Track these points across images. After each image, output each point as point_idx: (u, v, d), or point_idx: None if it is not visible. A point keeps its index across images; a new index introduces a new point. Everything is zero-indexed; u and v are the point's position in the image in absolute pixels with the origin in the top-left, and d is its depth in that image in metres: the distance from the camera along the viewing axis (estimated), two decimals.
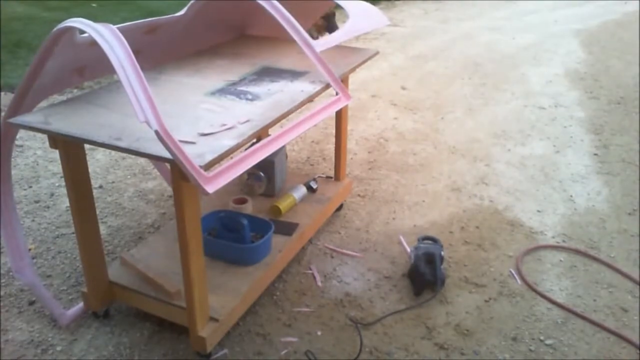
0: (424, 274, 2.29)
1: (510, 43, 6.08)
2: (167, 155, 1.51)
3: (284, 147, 2.73)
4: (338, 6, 2.44)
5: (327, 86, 2.12)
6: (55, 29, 1.65)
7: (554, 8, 7.43)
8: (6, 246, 2.02)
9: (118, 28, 1.68)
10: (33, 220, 2.80)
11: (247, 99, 1.97)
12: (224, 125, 1.73)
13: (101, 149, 3.43)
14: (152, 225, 2.77)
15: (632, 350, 2.07)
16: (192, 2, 2.15)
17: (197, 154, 1.55)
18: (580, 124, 4.07)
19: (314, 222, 2.55)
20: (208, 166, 1.53)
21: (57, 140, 1.77)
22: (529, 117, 4.18)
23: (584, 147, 3.72)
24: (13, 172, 3.14)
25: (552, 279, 2.44)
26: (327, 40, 2.16)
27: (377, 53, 2.63)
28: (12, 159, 2.11)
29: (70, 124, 1.72)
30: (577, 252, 2.61)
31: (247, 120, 1.78)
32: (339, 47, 2.54)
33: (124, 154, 3.30)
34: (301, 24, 2.10)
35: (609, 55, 5.70)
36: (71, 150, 1.83)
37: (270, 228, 2.25)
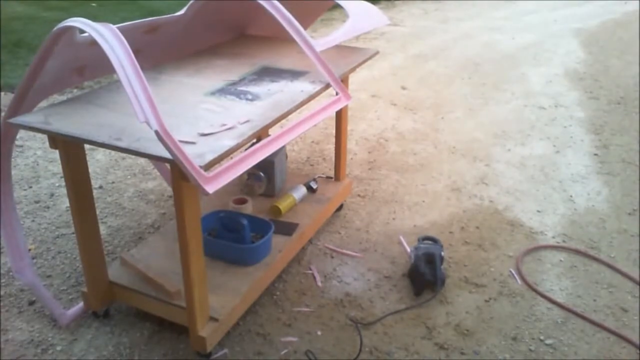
0: (424, 274, 2.29)
1: (510, 43, 6.08)
2: (167, 155, 1.51)
3: (284, 147, 2.73)
4: (338, 6, 2.44)
5: (327, 86, 2.12)
6: (55, 28, 1.65)
7: (554, 8, 7.43)
8: (6, 246, 2.02)
9: (118, 28, 1.68)
10: (33, 221, 2.80)
11: (247, 99, 1.97)
12: (224, 125, 1.73)
13: (101, 149, 3.43)
14: (152, 226, 2.77)
15: (632, 350, 2.07)
16: (191, 1, 2.15)
17: (197, 154, 1.55)
18: (580, 124, 4.07)
19: (314, 222, 2.55)
20: (208, 166, 1.53)
21: (57, 140, 1.77)
22: (529, 117, 4.18)
23: (584, 147, 3.72)
24: (13, 172, 3.14)
25: (552, 279, 2.44)
26: (327, 40, 2.16)
27: (377, 53, 2.63)
28: (12, 159, 2.11)
29: (70, 124, 1.72)
30: (576, 252, 2.61)
31: (247, 121, 1.78)
32: (339, 47, 2.54)
33: (124, 154, 3.30)
34: (301, 24, 2.10)
35: (608, 55, 5.70)
36: (71, 151, 1.83)
37: (270, 228, 2.25)
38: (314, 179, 2.76)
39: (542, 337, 2.12)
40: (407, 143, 3.74)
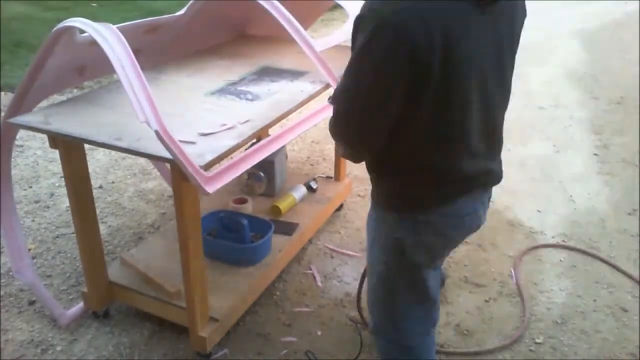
0: None
1: None
2: (168, 155, 1.51)
3: (284, 147, 2.73)
4: (338, 6, 2.44)
5: (327, 86, 2.12)
6: (55, 28, 1.65)
7: (554, 8, 7.42)
8: (6, 246, 2.02)
9: (118, 27, 1.68)
10: (33, 220, 2.80)
11: (247, 99, 1.97)
12: (224, 125, 1.73)
13: (101, 149, 3.43)
14: (152, 225, 2.77)
15: (632, 350, 2.06)
16: (192, 1, 2.15)
17: (197, 153, 1.55)
18: (580, 124, 4.07)
19: (314, 222, 2.55)
20: (208, 166, 1.53)
21: (57, 140, 1.77)
22: (529, 117, 4.18)
23: (584, 147, 3.72)
24: (13, 172, 3.13)
25: (552, 279, 2.44)
26: (327, 40, 2.16)
27: None
28: (12, 159, 2.11)
29: (70, 123, 1.72)
30: (576, 250, 2.61)
31: (247, 120, 1.78)
32: (338, 47, 2.54)
33: (124, 154, 3.28)
34: (301, 24, 2.10)
35: (609, 55, 5.70)
36: (71, 150, 1.83)
37: (270, 228, 2.25)
38: (314, 179, 2.76)
39: (542, 337, 2.12)
40: None
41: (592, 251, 2.61)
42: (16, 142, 3.42)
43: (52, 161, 3.35)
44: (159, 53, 2.27)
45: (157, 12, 6.18)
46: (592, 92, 4.70)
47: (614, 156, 3.58)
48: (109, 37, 1.57)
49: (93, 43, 1.64)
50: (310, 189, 2.69)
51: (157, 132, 1.46)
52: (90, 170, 1.95)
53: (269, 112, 1.86)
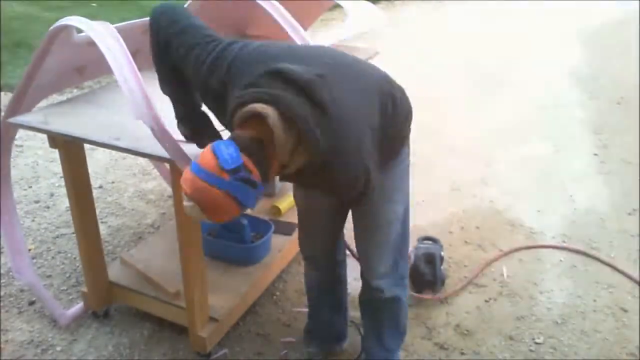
0: (424, 274, 2.29)
1: (510, 43, 6.07)
2: (167, 155, 1.52)
3: None
4: (338, 6, 2.44)
5: None
6: (52, 27, 1.65)
7: (554, 8, 7.42)
8: (6, 246, 2.02)
9: (117, 27, 1.68)
10: (33, 220, 2.80)
11: None
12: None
13: (101, 149, 3.43)
14: (152, 225, 2.77)
15: (632, 350, 2.06)
16: (190, 1, 2.15)
17: (196, 153, 1.54)
18: (581, 124, 4.06)
19: None
20: None
21: (57, 140, 1.77)
22: (529, 117, 4.17)
23: (584, 147, 3.71)
24: (13, 172, 3.13)
25: (552, 279, 2.44)
26: (325, 39, 2.15)
27: (377, 53, 2.63)
28: (12, 159, 2.11)
29: (70, 123, 1.72)
30: (571, 250, 2.61)
31: None
32: (338, 47, 2.54)
33: (124, 154, 3.29)
34: (301, 24, 2.10)
35: (609, 55, 5.69)
36: (71, 150, 1.83)
37: (270, 228, 2.25)
38: None
39: (542, 337, 2.11)
40: None
41: (590, 251, 2.61)
42: (16, 142, 3.42)
43: (52, 161, 3.35)
44: None
45: None
46: (592, 92, 4.70)
47: (614, 156, 3.58)
48: (105, 35, 1.56)
49: (92, 43, 1.64)
50: None
51: (152, 129, 1.46)
52: (90, 170, 1.95)
53: None
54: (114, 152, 3.38)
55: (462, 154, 3.58)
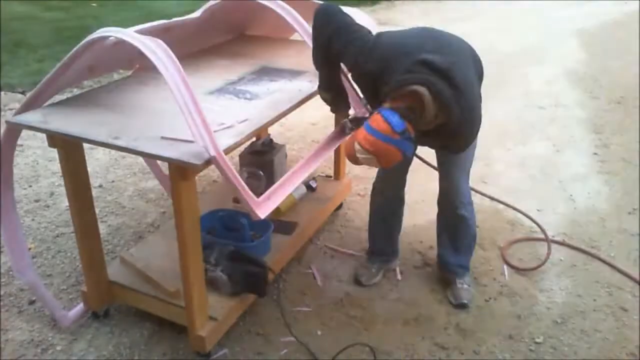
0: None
1: (510, 43, 6.07)
2: (166, 154, 1.52)
3: (283, 146, 2.73)
4: None
5: None
6: (93, 37, 1.65)
7: (554, 8, 7.42)
8: (7, 246, 2.01)
9: (139, 30, 1.68)
10: (33, 220, 2.80)
11: (245, 98, 1.97)
12: (223, 124, 1.73)
13: (101, 148, 3.43)
14: (152, 225, 2.77)
15: (632, 350, 2.06)
16: (209, 4, 2.15)
17: (196, 152, 1.54)
18: (580, 124, 4.06)
19: (314, 221, 2.55)
20: (206, 165, 1.53)
21: (56, 139, 1.77)
22: (529, 117, 4.18)
23: (584, 146, 3.71)
24: (13, 171, 3.13)
25: (552, 278, 2.43)
26: None
27: None
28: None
29: (69, 123, 1.72)
30: (561, 244, 2.61)
31: (246, 119, 1.78)
32: None
33: (124, 153, 3.30)
34: None
35: (609, 55, 5.69)
36: (70, 150, 1.82)
37: (270, 227, 2.25)
38: (314, 178, 2.76)
39: (542, 337, 2.11)
40: None
41: (573, 244, 2.61)
42: None
43: (52, 160, 3.35)
44: None
45: (156, 13, 6.18)
46: (592, 92, 4.70)
47: (614, 155, 3.58)
48: (162, 55, 1.58)
49: (116, 44, 1.64)
50: (309, 188, 2.69)
51: (214, 158, 1.50)
52: (90, 169, 1.95)
53: (267, 111, 1.86)
54: (113, 151, 3.38)
55: None
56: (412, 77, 1.59)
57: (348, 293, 2.32)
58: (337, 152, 2.75)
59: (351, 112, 2.05)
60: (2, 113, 3.94)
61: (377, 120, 1.56)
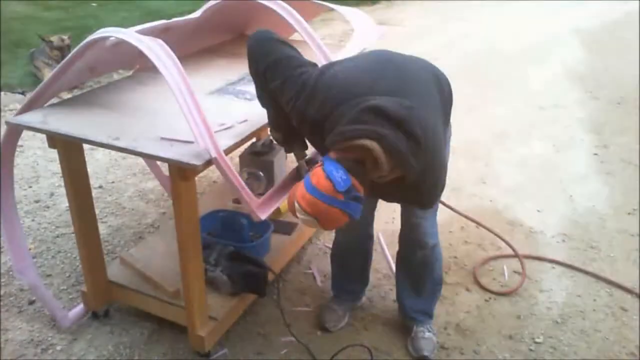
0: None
1: (510, 43, 6.07)
2: (166, 155, 1.52)
3: None
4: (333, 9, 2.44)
5: None
6: (94, 37, 1.65)
7: (554, 8, 7.42)
8: (7, 246, 2.01)
9: (139, 30, 1.68)
10: (33, 220, 2.80)
11: (245, 99, 1.97)
12: (222, 124, 1.73)
13: (101, 149, 3.43)
14: (152, 225, 2.77)
15: (632, 350, 2.06)
16: (209, 3, 2.15)
17: (195, 153, 1.54)
18: (580, 124, 4.06)
19: None
20: (206, 165, 1.54)
21: (56, 140, 1.77)
22: (529, 117, 4.17)
23: (584, 147, 3.71)
24: (14, 171, 3.13)
25: (552, 279, 2.43)
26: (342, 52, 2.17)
27: None
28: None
29: (69, 123, 1.72)
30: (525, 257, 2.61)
31: (245, 120, 1.78)
32: (340, 47, 2.54)
33: (124, 154, 3.29)
34: None
35: (609, 55, 5.69)
36: (70, 150, 1.83)
37: (270, 227, 2.25)
38: None
39: (541, 337, 2.11)
40: None
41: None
42: None
43: (52, 161, 3.34)
44: None
45: (155, 12, 6.18)
46: (592, 92, 4.70)
47: (614, 156, 3.57)
48: (163, 57, 1.59)
49: (117, 45, 1.64)
50: None
51: (215, 159, 1.50)
52: (90, 170, 1.95)
53: None
54: (113, 152, 3.38)
55: (462, 154, 3.57)
56: (359, 129, 1.31)
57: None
58: None
59: (310, 151, 1.81)
60: (2, 113, 3.94)
61: (317, 176, 1.30)
